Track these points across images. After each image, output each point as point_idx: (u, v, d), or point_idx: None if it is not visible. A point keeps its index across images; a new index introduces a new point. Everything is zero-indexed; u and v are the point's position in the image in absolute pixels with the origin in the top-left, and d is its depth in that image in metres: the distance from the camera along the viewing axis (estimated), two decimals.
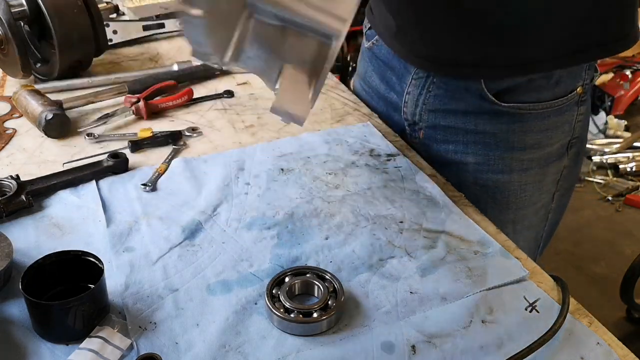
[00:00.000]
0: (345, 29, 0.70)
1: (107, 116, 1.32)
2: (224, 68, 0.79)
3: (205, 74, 1.53)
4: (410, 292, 0.88)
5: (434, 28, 1.13)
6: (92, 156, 1.18)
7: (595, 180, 3.51)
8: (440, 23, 1.11)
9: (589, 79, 1.17)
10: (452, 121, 1.19)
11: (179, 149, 1.23)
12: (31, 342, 0.80)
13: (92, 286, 0.80)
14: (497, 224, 1.00)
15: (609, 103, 3.95)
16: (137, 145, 1.22)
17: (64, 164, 1.16)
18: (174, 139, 1.25)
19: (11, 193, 1.02)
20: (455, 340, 0.81)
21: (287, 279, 0.87)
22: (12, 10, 1.36)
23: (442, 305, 0.86)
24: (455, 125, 1.19)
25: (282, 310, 0.82)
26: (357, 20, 1.37)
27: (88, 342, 0.78)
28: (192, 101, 1.42)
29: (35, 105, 1.28)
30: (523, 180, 1.20)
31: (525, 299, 0.88)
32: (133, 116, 1.34)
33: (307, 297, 0.88)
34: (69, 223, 1.01)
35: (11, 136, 1.27)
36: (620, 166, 3.55)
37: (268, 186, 1.11)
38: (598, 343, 0.81)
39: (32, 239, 0.98)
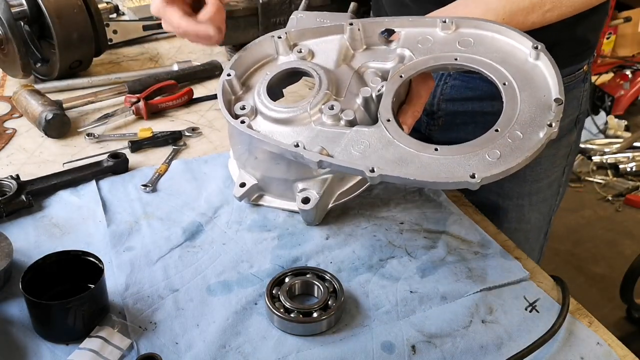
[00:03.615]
0: None
1: (107, 116, 1.32)
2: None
3: (205, 74, 1.54)
4: (410, 292, 0.88)
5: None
6: (92, 156, 1.18)
7: (595, 180, 3.51)
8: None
9: (592, 56, 1.25)
10: (470, 106, 1.25)
11: (179, 149, 1.23)
12: (31, 342, 0.80)
13: (92, 286, 0.80)
14: (515, 197, 1.02)
15: (609, 103, 3.94)
16: (137, 145, 1.22)
17: (64, 164, 1.16)
18: (174, 139, 1.25)
19: (11, 193, 1.02)
20: (455, 340, 0.81)
21: (287, 279, 0.87)
22: (12, 10, 1.36)
23: (442, 305, 0.86)
24: (472, 109, 1.25)
25: (282, 310, 0.82)
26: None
27: (88, 342, 0.78)
28: (192, 101, 1.42)
29: (35, 105, 1.28)
30: None
31: (525, 299, 0.88)
32: (133, 116, 1.34)
33: (307, 297, 0.88)
34: (69, 223, 1.01)
35: (11, 136, 1.27)
36: (620, 166, 3.55)
37: None
38: (598, 343, 0.81)
39: (32, 238, 0.98)
